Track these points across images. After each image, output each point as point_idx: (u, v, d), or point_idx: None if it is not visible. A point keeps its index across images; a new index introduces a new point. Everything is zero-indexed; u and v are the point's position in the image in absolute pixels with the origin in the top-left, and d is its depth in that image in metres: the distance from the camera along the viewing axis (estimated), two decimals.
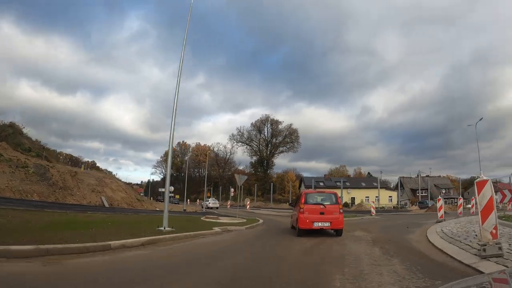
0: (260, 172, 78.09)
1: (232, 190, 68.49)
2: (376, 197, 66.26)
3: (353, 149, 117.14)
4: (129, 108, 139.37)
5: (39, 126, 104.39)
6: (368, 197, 65.21)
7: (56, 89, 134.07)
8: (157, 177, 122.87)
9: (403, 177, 76.97)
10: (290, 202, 44.50)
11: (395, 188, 78.86)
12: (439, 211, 17.45)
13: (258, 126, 78.46)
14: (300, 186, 72.24)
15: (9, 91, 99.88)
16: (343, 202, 58.97)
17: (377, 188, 67.72)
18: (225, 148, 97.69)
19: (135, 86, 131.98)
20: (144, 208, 32.63)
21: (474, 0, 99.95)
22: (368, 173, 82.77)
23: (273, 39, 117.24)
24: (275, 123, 77.70)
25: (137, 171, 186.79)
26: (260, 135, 78.78)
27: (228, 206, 51.38)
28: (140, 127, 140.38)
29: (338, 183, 67.12)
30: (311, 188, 57.80)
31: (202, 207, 46.19)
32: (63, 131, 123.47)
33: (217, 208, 47.22)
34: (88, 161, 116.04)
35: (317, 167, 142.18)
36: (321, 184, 65.48)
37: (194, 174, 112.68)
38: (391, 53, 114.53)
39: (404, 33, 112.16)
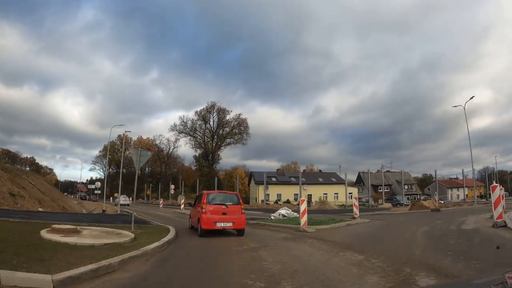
0: (205, 167, 68.51)
1: (172, 187, 59.41)
2: (336, 193, 59.66)
3: (305, 148, 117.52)
4: (78, 103, 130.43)
5: None
6: (326, 194, 58.18)
7: (2, 80, 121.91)
8: (97, 174, 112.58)
9: (362, 172, 70.84)
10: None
11: (355, 184, 72.63)
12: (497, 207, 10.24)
13: (203, 115, 68.74)
14: (249, 182, 64.10)
15: None
16: (299, 199, 52.27)
17: (336, 184, 61.24)
18: (168, 141, 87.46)
19: (86, 80, 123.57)
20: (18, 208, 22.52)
21: (427, 9, 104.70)
22: (320, 170, 75.84)
23: (230, 37, 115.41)
24: (222, 111, 68.49)
25: (85, 169, 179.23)
26: (206, 125, 69.15)
27: (161, 206, 42.16)
28: (90, 123, 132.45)
29: (292, 179, 59.58)
30: (263, 184, 51.86)
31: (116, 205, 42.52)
32: (8, 126, 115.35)
33: (128, 205, 45.64)
34: (27, 157, 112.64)
35: (268, 165, 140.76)
36: (274, 179, 57.50)
37: (135, 169, 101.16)
38: (346, 56, 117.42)
39: (359, 37, 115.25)
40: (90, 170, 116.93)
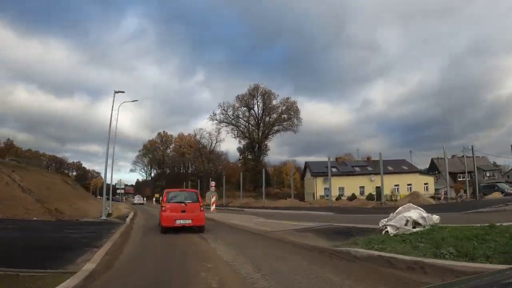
0: (251, 160, 60.13)
1: (212, 184, 51.52)
2: (409, 184, 49.19)
3: (353, 142, 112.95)
4: (127, 109, 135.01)
5: (36, 131, 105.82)
6: (398, 185, 47.72)
7: (53, 92, 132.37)
8: (139, 175, 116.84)
9: (437, 158, 59.41)
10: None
11: (428, 173, 61.16)
12: None
13: (246, 100, 59.38)
14: (303, 176, 54.79)
15: (3, 96, 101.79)
16: (369, 193, 42.83)
17: (407, 173, 50.65)
18: (210, 135, 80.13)
19: (134, 86, 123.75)
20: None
21: None
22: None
23: (272, 34, 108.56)
24: (267, 95, 58.66)
25: (135, 172, 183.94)
26: (249, 112, 59.87)
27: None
28: (140, 128, 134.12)
29: (356, 168, 49.71)
30: (322, 176, 44.25)
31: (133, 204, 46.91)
32: (61, 135, 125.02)
33: (142, 204, 48.43)
34: (73, 162, 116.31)
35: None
36: (334, 170, 47.98)
37: (178, 168, 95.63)
38: (391, 46, 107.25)
39: (403, 25, 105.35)
40: (131, 171, 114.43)
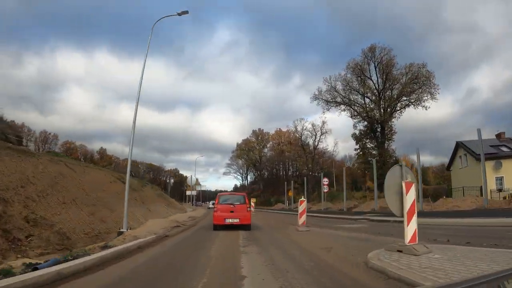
0: (370, 149, 45.26)
1: (325, 181, 39.37)
2: None
3: (458, 137, 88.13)
4: (226, 119, 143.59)
5: (141, 144, 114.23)
6: None
7: (156, 108, 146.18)
8: (236, 180, 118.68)
9: None
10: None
11: None
12: None
13: (360, 69, 43.88)
14: (449, 164, 38.55)
15: (112, 115, 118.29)
16: None
17: None
18: (313, 127, 67.85)
19: (232, 96, 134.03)
20: None
21: None
22: None
23: (365, 29, 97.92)
24: (387, 59, 42.56)
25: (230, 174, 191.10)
26: (364, 84, 44.28)
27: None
28: (239, 136, 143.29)
29: None
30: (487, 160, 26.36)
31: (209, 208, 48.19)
32: (164, 147, 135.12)
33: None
34: (170, 169, 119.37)
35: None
36: (505, 149, 31.38)
37: (277, 169, 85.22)
38: (492, 25, 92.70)
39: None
40: (224, 174, 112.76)
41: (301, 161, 70.60)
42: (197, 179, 58.79)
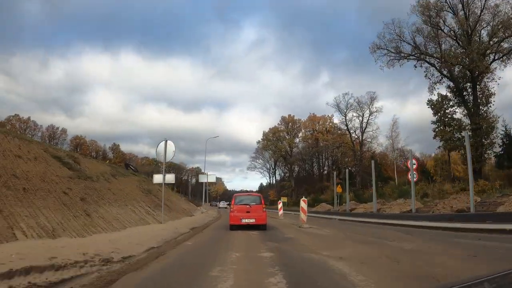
0: (456, 122, 31.04)
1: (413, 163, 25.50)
2: None
3: None
4: (253, 118, 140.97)
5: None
6: None
7: (182, 109, 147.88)
8: (262, 177, 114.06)
9: None
10: None
11: None
12: None
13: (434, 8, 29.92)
14: None
15: (137, 116, 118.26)
16: None
17: None
18: (359, 104, 53.58)
19: (258, 95, 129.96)
20: None
21: None
22: None
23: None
24: None
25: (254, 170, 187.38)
26: (444, 22, 30.09)
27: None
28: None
29: None
30: None
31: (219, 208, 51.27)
32: (190, 148, 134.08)
33: (226, 208, 46.82)
34: (192, 167, 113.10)
35: None
36: None
37: (311, 162, 72.26)
38: None
39: None
40: (248, 169, 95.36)
41: (347, 148, 57.69)
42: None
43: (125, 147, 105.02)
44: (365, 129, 53.01)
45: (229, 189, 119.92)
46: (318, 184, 64.20)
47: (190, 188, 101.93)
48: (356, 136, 54.78)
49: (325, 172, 68.09)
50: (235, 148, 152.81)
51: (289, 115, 73.15)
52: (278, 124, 73.54)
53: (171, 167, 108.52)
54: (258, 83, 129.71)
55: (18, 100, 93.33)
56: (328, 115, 66.79)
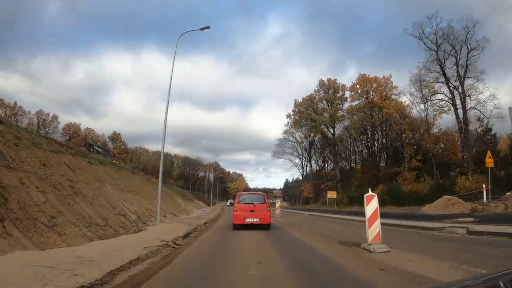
0: None
1: None
2: None
3: None
4: (276, 116, 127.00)
5: (190, 144, 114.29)
6: None
7: (205, 108, 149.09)
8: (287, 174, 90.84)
9: None
10: None
11: None
12: None
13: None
14: None
15: (160, 116, 75.65)
16: None
17: None
18: (419, 81, 36.35)
19: (281, 92, 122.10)
20: None
21: None
22: None
23: (423, 12, 71.09)
24: None
25: (282, 158, 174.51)
26: None
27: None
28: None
29: None
30: None
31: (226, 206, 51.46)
32: (212, 146, 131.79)
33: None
34: (209, 163, 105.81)
35: None
36: None
37: (361, 141, 50.95)
38: None
39: None
40: (274, 155, 67.78)
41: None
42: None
43: (150, 147, 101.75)
44: (464, 76, 31.76)
45: (251, 188, 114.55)
46: (375, 172, 43.75)
47: (207, 185, 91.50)
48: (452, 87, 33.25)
49: (384, 155, 47.33)
50: (258, 146, 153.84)
51: (329, 79, 52.32)
52: (315, 91, 52.80)
53: (185, 161, 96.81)
54: (282, 78, 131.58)
55: (41, 102, 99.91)
56: (385, 77, 46.51)
